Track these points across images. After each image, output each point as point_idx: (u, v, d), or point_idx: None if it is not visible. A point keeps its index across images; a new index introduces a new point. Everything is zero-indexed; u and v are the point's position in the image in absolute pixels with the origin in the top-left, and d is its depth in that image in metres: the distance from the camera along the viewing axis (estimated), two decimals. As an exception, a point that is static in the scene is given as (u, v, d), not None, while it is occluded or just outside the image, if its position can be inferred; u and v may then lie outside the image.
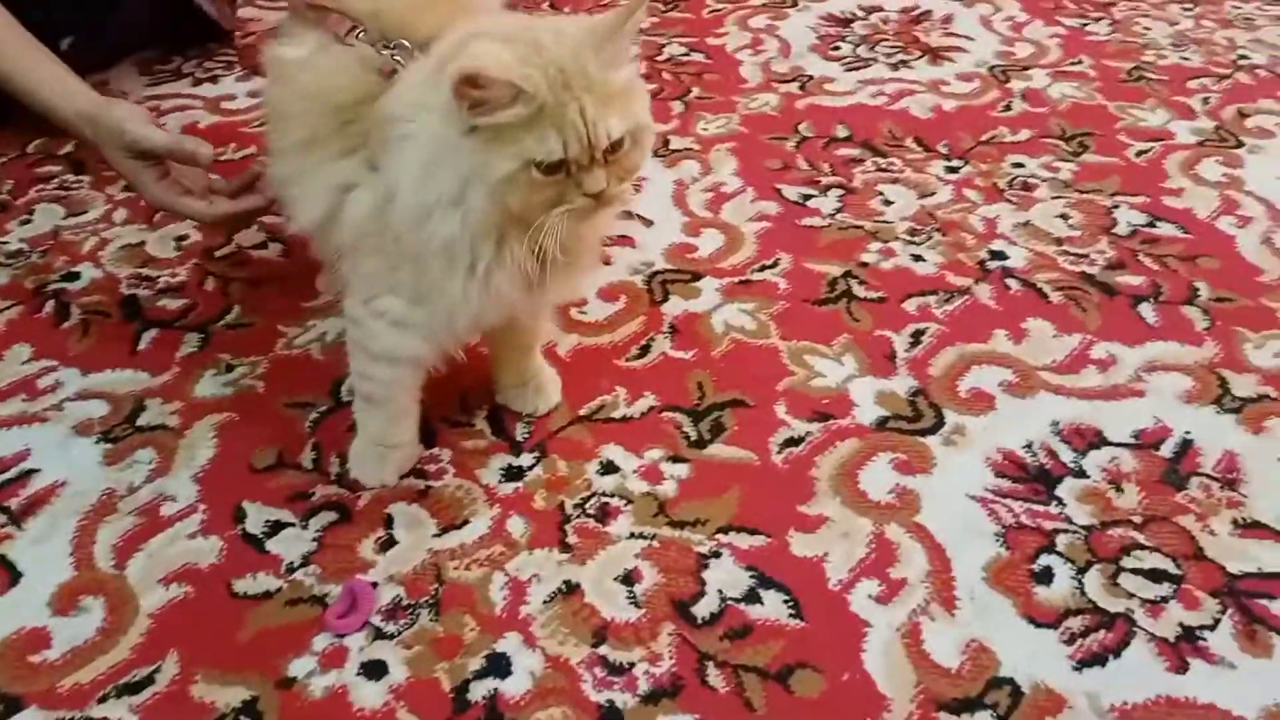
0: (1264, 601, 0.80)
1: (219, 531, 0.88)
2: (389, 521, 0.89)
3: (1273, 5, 1.81)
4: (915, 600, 0.81)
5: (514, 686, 0.76)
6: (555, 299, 0.91)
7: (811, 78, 1.59)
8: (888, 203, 1.29)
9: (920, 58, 1.65)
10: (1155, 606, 0.80)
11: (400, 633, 0.79)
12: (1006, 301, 1.12)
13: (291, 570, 0.84)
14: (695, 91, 1.56)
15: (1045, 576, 0.83)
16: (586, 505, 0.90)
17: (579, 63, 0.70)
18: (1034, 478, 0.92)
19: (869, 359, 1.05)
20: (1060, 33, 1.72)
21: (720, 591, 0.82)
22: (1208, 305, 1.11)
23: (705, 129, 1.46)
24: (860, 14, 1.81)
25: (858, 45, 1.69)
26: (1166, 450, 0.94)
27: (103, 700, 0.75)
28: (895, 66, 1.62)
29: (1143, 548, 0.85)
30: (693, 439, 0.96)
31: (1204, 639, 0.78)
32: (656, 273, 1.18)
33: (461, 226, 0.74)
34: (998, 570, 0.84)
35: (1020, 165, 1.36)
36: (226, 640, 0.79)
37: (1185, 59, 1.63)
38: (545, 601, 0.82)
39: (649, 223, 1.26)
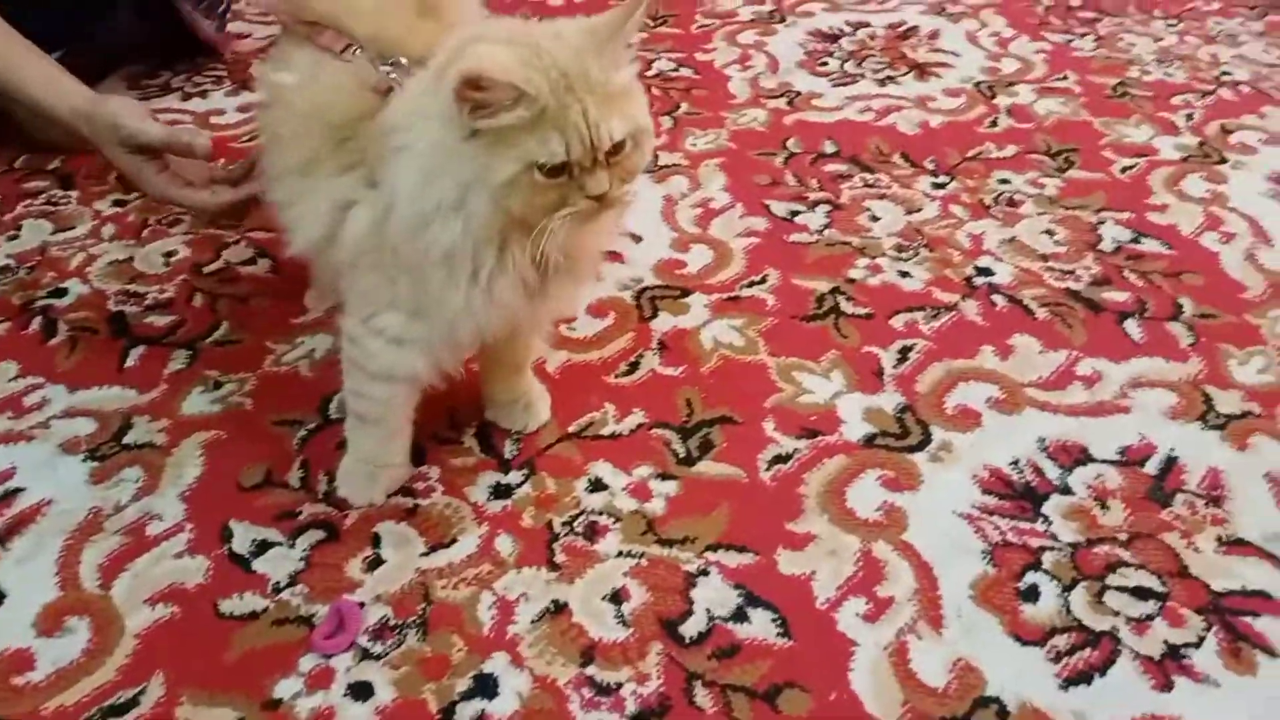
0: (1248, 619, 0.81)
1: (206, 551, 0.88)
2: (376, 540, 0.89)
3: (1255, 21, 1.83)
4: (902, 619, 0.81)
5: (501, 707, 0.75)
6: (556, 309, 0.91)
7: (799, 93, 1.60)
8: (875, 219, 1.30)
9: (907, 73, 1.66)
10: (1140, 624, 0.81)
11: (387, 653, 0.79)
12: (993, 318, 1.13)
13: (278, 590, 0.84)
14: (684, 107, 1.57)
15: (1031, 594, 0.83)
16: (575, 523, 0.90)
17: (580, 64, 0.70)
18: (1020, 495, 0.92)
19: (857, 375, 1.06)
20: (1046, 48, 1.73)
21: (708, 610, 0.82)
22: (1192, 321, 1.12)
23: (694, 144, 1.47)
24: (848, 30, 1.82)
25: (845, 61, 1.70)
26: (1151, 467, 0.95)
27: (88, 722, 0.75)
28: (882, 82, 1.63)
29: (1128, 565, 0.86)
30: (681, 456, 0.97)
31: (1189, 657, 0.78)
32: (645, 289, 1.18)
33: (463, 233, 0.73)
34: (984, 588, 0.84)
35: (1006, 181, 1.37)
36: (213, 661, 0.79)
37: (1169, 75, 1.64)
38: (533, 621, 0.81)
39: (638, 238, 1.26)
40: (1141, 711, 0.75)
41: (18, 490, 0.94)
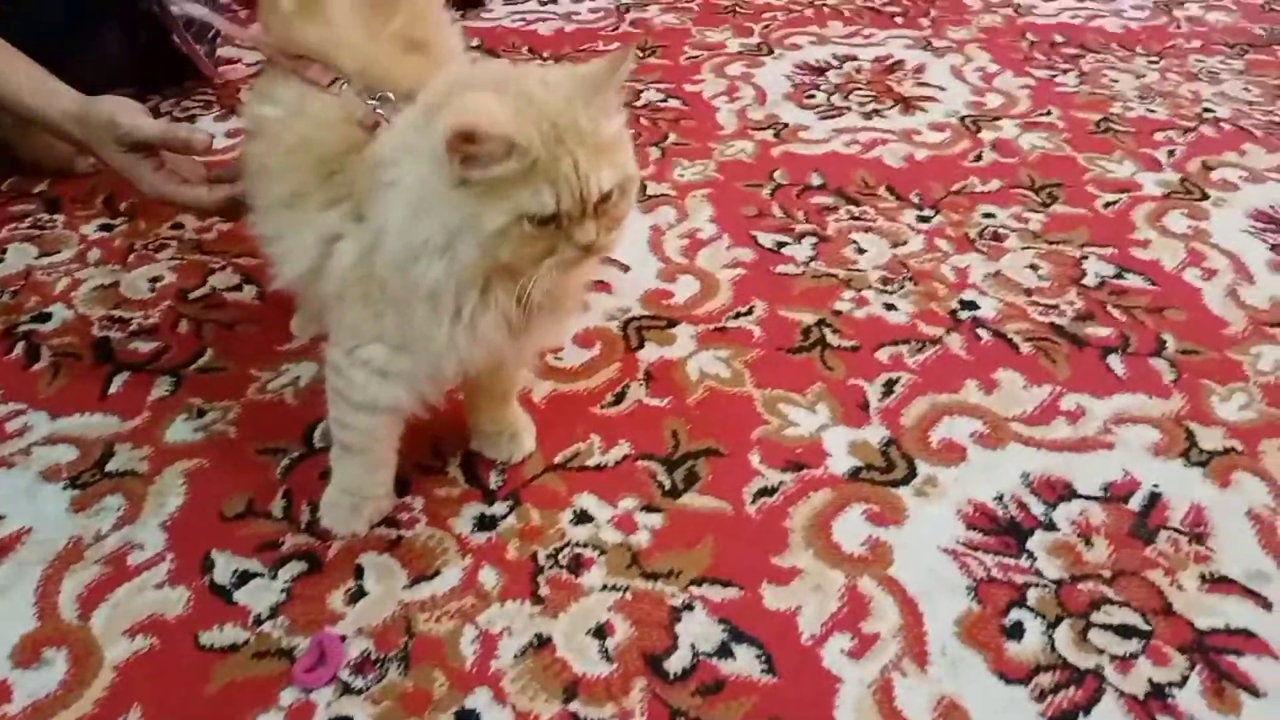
0: (1232, 658, 0.81)
1: (186, 581, 0.87)
2: (359, 572, 0.88)
3: (1236, 60, 1.86)
4: (887, 655, 0.81)
5: (484, 744, 0.75)
6: (539, 344, 0.92)
7: (786, 125, 1.61)
8: (861, 251, 1.31)
9: (893, 107, 1.68)
10: (1124, 663, 0.81)
11: (369, 687, 0.78)
12: (977, 351, 1.14)
13: (259, 622, 0.83)
14: (672, 137, 1.58)
15: (1016, 631, 0.83)
16: (559, 556, 0.90)
17: (571, 114, 0.70)
18: (1005, 530, 0.93)
19: (842, 408, 1.06)
20: (1030, 84, 1.76)
21: (693, 645, 0.82)
22: (1174, 358, 1.12)
23: (682, 175, 1.48)
24: (834, 63, 1.84)
25: (832, 94, 1.72)
26: (1135, 503, 0.95)
27: (63, 758, 0.74)
28: (868, 115, 1.65)
29: (1112, 602, 0.86)
30: (667, 488, 0.96)
31: (1173, 696, 0.78)
32: (632, 319, 1.18)
33: (446, 274, 0.73)
34: (969, 625, 0.84)
35: (991, 215, 1.38)
36: (192, 694, 0.78)
37: (1151, 111, 1.66)
38: (516, 656, 0.81)
39: (625, 268, 1.26)
40: (1125, 751, 0.75)
41: (-3, 518, 0.93)
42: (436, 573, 0.88)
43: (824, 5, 2.11)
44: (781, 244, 1.32)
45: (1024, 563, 0.89)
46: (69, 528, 0.92)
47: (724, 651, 0.81)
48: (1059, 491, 0.96)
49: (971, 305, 1.21)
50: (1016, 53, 1.88)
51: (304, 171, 0.82)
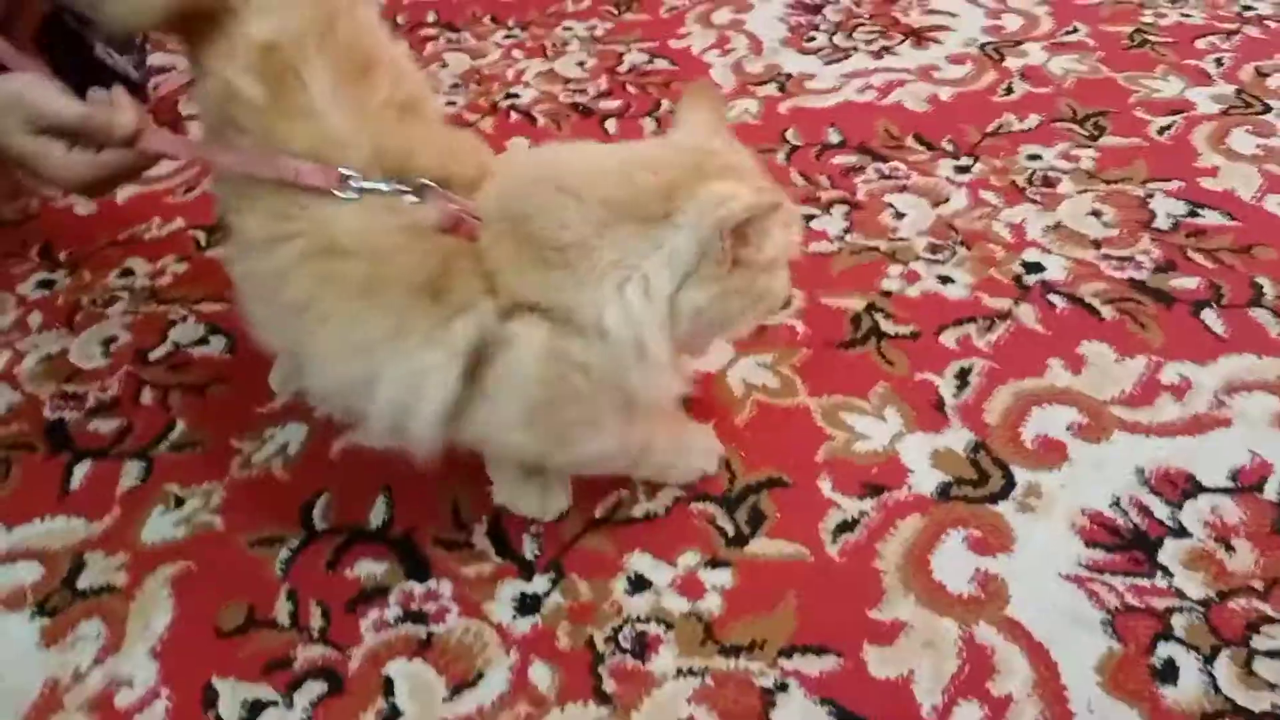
0: None
1: (188, 722, 0.74)
2: (389, 686, 0.75)
3: (1263, -54, 1.69)
4: (1026, 722, 0.69)
5: None
6: None
7: (790, 76, 1.45)
8: (899, 215, 1.16)
9: (903, 41, 1.51)
10: (1306, 702, 0.68)
11: (421, 841, 0.66)
12: (1054, 323, 1.00)
13: (280, 767, 0.70)
14: (665, 105, 1.42)
15: (1169, 673, 0.71)
16: (620, 637, 0.76)
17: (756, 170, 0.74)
18: (1130, 543, 0.80)
19: (914, 411, 0.92)
20: (1048, -1, 1.59)
21: (796, 737, 0.69)
22: (1276, 305, 0.99)
23: (684, 147, 1.32)
24: (830, -3, 1.67)
25: (833, 34, 1.55)
26: (1271, 492, 0.82)
27: None
28: (878, 54, 1.49)
29: (1273, 621, 0.73)
30: (730, 535, 0.83)
31: (1374, 740, 0.66)
32: (657, 327, 1.04)
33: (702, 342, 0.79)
34: (1114, 671, 0.71)
35: (1036, 157, 1.23)
36: None
37: (1186, 15, 1.51)
38: (591, 778, 0.68)
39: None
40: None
41: (-47, 666, 0.79)
42: (479, 676, 0.75)
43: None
44: (809, 217, 1.17)
45: (1160, 582, 0.77)
46: (42, 668, 0.78)
47: (835, 742, 0.69)
48: (1181, 486, 0.83)
49: (1037, 267, 1.06)
50: (1027, -35, 1.70)
51: (397, 307, 0.68)
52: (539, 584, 0.81)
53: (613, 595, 0.79)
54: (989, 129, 1.29)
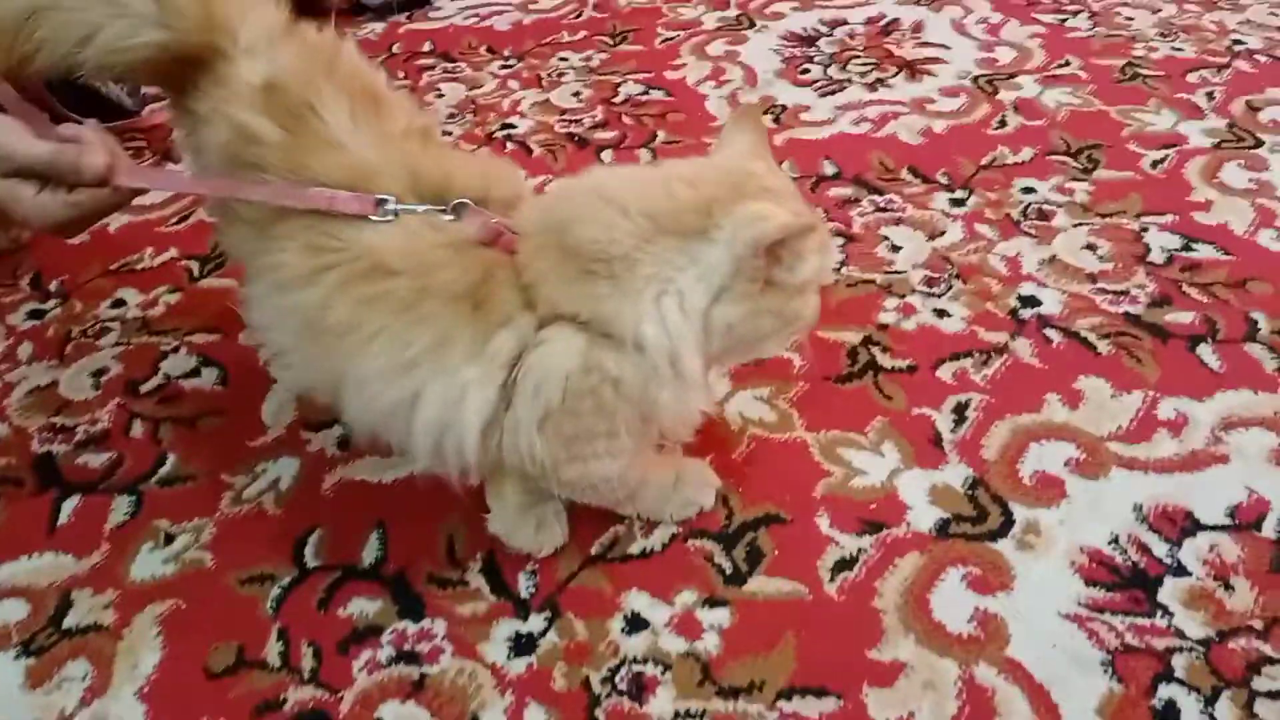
0: None
1: (175, 767, 0.72)
2: (382, 729, 0.73)
3: (1252, -19, 1.72)
4: (1029, 768, 0.68)
5: None
6: None
7: (785, 108, 1.46)
8: (895, 248, 1.16)
9: (897, 74, 1.52)
10: (1310, 745, 0.68)
11: None
12: (1051, 357, 1.00)
13: (270, 814, 0.69)
14: (661, 135, 1.42)
15: (1171, 715, 0.70)
16: (616, 678, 0.75)
17: (794, 192, 0.75)
18: (1130, 582, 0.79)
19: (912, 446, 0.92)
20: (1040, 31, 1.61)
21: (795, 782, 0.68)
22: (1271, 340, 0.99)
23: (679, 179, 1.32)
24: (824, 30, 1.68)
25: (828, 65, 1.56)
26: (1269, 529, 0.82)
27: None
28: (872, 86, 1.49)
29: (1273, 661, 0.73)
30: (728, 573, 0.82)
31: (1380, 786, 0.65)
32: (652, 361, 1.03)
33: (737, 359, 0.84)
34: (1115, 713, 0.71)
35: (1031, 190, 1.24)
36: None
37: (1177, 49, 1.52)
38: (588, 825, 0.67)
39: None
40: None
41: (-65, 710, 0.77)
42: (474, 719, 0.73)
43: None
44: (805, 250, 1.17)
45: (1160, 621, 0.76)
46: (27, 710, 0.76)
47: (835, 788, 0.68)
48: (1180, 524, 0.83)
49: (1032, 301, 1.07)
50: (1018, -2, 1.72)
51: (440, 318, 0.70)
52: (534, 623, 0.80)
53: (609, 635, 0.78)
54: (983, 161, 1.30)
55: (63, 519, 0.92)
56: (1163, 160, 1.27)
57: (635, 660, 0.76)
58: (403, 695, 0.75)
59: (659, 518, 0.86)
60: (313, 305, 0.72)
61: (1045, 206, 1.20)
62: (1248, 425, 0.91)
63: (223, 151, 0.77)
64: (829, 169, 1.31)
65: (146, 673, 0.78)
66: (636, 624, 0.79)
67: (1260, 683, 0.72)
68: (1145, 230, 1.15)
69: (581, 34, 1.74)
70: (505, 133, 1.46)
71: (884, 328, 1.05)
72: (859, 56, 1.58)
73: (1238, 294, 1.05)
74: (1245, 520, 0.83)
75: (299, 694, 0.76)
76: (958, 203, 1.23)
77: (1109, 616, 0.77)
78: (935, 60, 1.55)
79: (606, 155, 1.38)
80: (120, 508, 0.92)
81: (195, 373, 1.07)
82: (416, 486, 0.90)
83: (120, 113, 1.50)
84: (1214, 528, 0.83)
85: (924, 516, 0.85)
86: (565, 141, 1.42)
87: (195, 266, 1.23)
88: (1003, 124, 1.37)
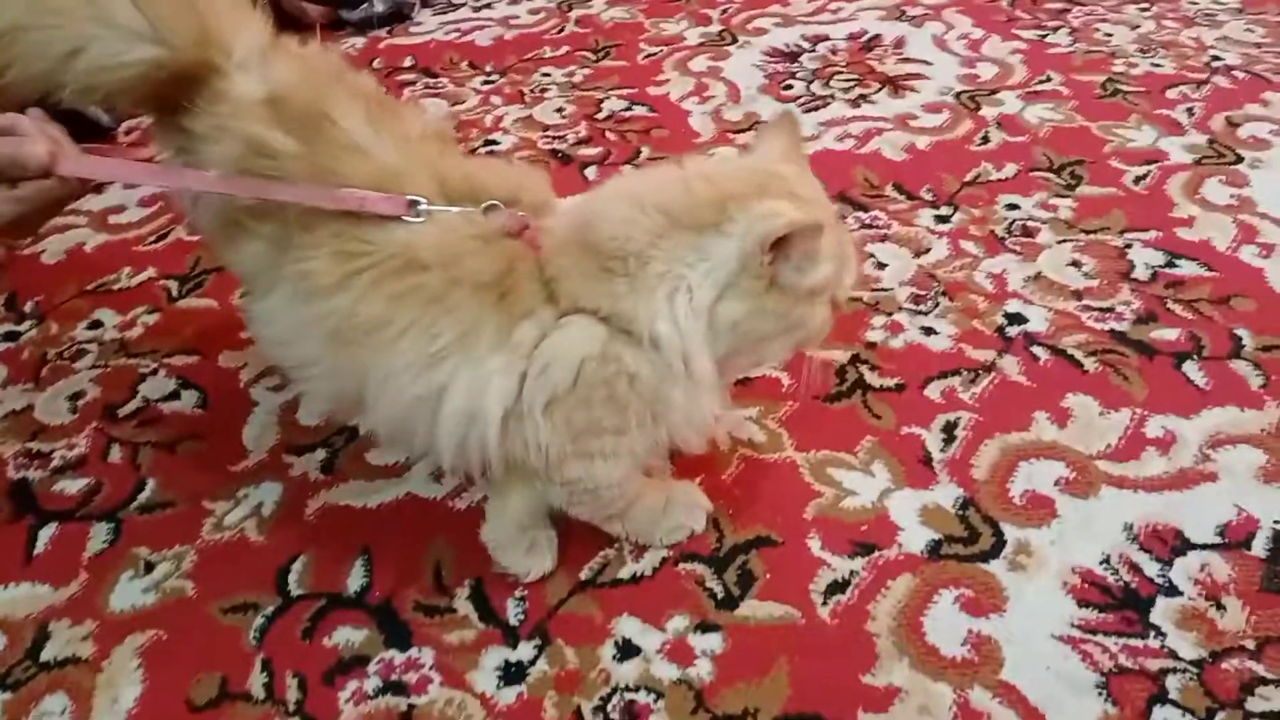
0: None
1: (157, 806, 0.70)
2: (370, 763, 0.72)
3: (1228, -2, 1.74)
4: (1026, 794, 0.67)
5: None
6: None
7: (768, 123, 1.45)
8: (881, 266, 1.16)
9: (879, 90, 1.53)
10: (1306, 768, 0.67)
11: None
12: (1038, 375, 1.00)
13: None
14: (645, 151, 1.42)
15: (1167, 738, 0.70)
16: (609, 707, 0.74)
17: (822, 197, 0.75)
18: (1122, 603, 0.79)
19: (902, 466, 0.91)
20: (1020, 47, 1.62)
21: (791, 812, 0.67)
22: (1256, 357, 0.99)
23: (664, 195, 1.31)
24: (806, 45, 1.68)
25: (810, 81, 1.57)
26: (1259, 548, 0.82)
27: None
28: (855, 103, 1.50)
29: (1266, 682, 0.73)
30: (720, 597, 0.81)
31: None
32: (640, 380, 1.02)
33: (749, 363, 0.79)
34: (1111, 737, 0.70)
35: (1015, 207, 1.24)
36: None
37: (1157, 65, 1.53)
38: None
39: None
40: None
41: (-91, 748, 0.75)
42: (464, 751, 0.72)
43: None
44: (791, 267, 1.16)
45: (1153, 642, 0.76)
46: (2, 747, 0.75)
47: (832, 818, 0.67)
48: (1170, 543, 0.83)
49: (1018, 318, 1.07)
50: (999, 14, 1.73)
51: (467, 308, 0.70)
52: (524, 651, 0.78)
53: (600, 662, 0.77)
54: (967, 178, 1.30)
55: (39, 548, 0.90)
56: (1145, 176, 1.28)
57: (627, 688, 0.75)
58: (391, 727, 0.74)
59: (649, 541, 0.85)
60: (343, 310, 0.72)
61: (1029, 223, 1.21)
62: (1235, 443, 0.91)
63: (233, 167, 0.76)
64: (814, 185, 1.31)
65: (127, 706, 0.77)
66: (628, 650, 0.78)
67: (1254, 703, 0.71)
68: (1129, 247, 1.16)
69: (564, 49, 1.73)
70: (488, 149, 1.45)
71: (871, 345, 1.05)
72: (841, 72, 1.58)
73: (1222, 310, 1.06)
74: (1235, 539, 0.83)
75: (284, 727, 0.74)
76: (942, 219, 1.23)
77: (1102, 638, 0.76)
78: (917, 76, 1.55)
79: (591, 172, 1.37)
80: (98, 535, 0.90)
81: (175, 395, 1.05)
82: (402, 511, 0.89)
83: (96, 130, 1.48)
84: (1204, 546, 0.82)
85: (915, 537, 0.85)
86: (549, 158, 1.42)
87: (174, 286, 1.21)
88: (985, 140, 1.38)
